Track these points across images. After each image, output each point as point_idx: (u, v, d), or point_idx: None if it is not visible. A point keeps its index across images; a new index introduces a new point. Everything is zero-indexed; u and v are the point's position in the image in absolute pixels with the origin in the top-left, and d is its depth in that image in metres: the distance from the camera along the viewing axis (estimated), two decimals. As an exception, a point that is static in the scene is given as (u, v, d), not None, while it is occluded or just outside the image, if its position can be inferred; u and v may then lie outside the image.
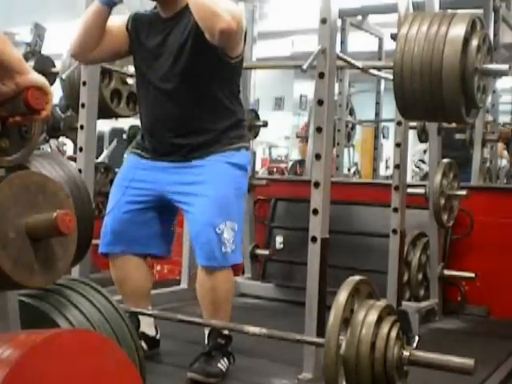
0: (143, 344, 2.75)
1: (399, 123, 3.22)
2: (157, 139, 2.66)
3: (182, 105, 2.58)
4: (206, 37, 2.38)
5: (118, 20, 2.68)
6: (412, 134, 4.56)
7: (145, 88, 2.68)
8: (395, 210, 3.24)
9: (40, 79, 1.47)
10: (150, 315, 2.72)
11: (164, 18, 2.63)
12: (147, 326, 2.81)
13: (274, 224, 4.47)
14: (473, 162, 5.09)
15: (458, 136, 5.52)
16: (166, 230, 2.79)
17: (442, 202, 3.65)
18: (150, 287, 2.86)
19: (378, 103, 6.48)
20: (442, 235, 3.93)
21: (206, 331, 2.65)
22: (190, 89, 2.56)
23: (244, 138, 2.69)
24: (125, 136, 7.35)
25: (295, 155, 11.93)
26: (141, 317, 2.76)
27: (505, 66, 2.63)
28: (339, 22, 5.21)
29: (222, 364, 2.57)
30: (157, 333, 2.86)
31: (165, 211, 2.72)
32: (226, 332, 2.61)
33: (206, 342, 2.62)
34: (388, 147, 8.90)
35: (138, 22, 2.68)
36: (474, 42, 2.51)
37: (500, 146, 6.21)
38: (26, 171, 1.55)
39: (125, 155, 2.83)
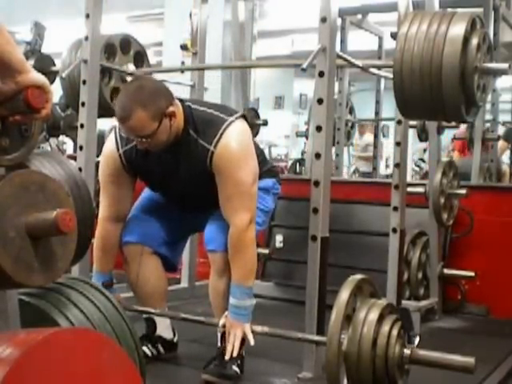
0: (160, 347, 2.73)
1: (399, 122, 3.22)
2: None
3: (201, 200, 2.66)
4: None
5: (112, 178, 2.65)
6: (412, 133, 4.56)
7: (157, 189, 2.77)
8: (395, 208, 3.23)
9: (40, 78, 1.47)
10: (151, 313, 2.71)
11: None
12: (164, 329, 2.77)
13: (274, 223, 4.46)
14: (473, 161, 5.09)
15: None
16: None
17: (442, 200, 3.65)
18: (166, 289, 2.82)
19: (377, 102, 6.46)
20: (442, 234, 3.93)
21: (219, 334, 2.60)
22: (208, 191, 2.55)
23: (266, 173, 2.74)
24: (125, 135, 7.34)
25: (295, 154, 11.92)
26: (157, 320, 2.74)
27: (505, 65, 2.63)
28: (339, 21, 5.20)
29: (238, 366, 2.52)
30: (174, 335, 2.81)
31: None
32: None
33: (220, 343, 2.57)
34: (388, 146, 8.90)
35: (131, 155, 2.59)
36: (474, 41, 2.51)
37: (501, 144, 6.19)
38: (26, 170, 1.54)
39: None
